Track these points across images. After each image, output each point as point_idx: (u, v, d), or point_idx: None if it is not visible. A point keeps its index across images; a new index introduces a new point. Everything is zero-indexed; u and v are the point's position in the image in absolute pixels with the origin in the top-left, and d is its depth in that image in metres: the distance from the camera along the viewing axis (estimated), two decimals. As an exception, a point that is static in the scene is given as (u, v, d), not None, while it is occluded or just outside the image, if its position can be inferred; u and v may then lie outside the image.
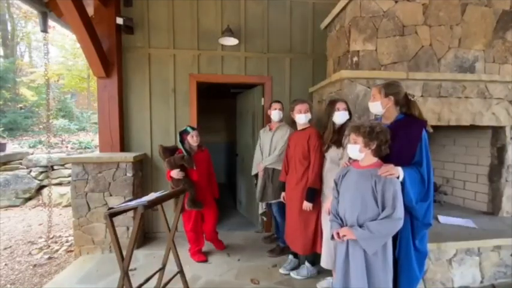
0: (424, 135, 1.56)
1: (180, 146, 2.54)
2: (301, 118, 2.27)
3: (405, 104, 1.66)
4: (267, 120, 3.18)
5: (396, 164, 1.48)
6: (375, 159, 1.52)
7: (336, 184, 1.66)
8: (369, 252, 1.41)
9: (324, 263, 2.05)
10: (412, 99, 1.66)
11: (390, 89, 1.67)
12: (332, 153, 2.09)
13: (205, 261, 2.62)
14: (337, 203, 1.62)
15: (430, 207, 1.54)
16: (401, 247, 1.55)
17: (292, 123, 2.51)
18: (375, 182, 1.43)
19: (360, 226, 1.44)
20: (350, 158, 1.68)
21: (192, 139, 2.53)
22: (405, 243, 1.55)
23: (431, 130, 1.64)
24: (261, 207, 2.86)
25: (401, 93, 1.66)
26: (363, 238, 1.40)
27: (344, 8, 2.67)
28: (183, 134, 2.56)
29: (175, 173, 2.44)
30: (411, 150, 1.55)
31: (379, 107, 1.70)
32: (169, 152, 2.51)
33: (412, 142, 1.55)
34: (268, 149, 2.74)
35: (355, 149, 1.50)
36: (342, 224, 1.54)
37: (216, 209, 2.74)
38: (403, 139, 1.57)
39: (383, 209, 1.41)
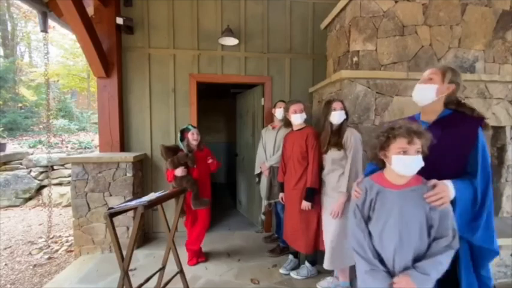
0: (480, 136, 1.17)
1: (180, 144, 2.50)
2: (297, 118, 2.26)
3: (455, 103, 1.30)
4: (267, 120, 3.19)
5: (438, 176, 1.13)
6: (415, 175, 1.14)
7: (358, 209, 1.23)
8: None
9: (327, 265, 2.04)
10: (462, 101, 1.31)
11: (456, 76, 1.28)
12: (333, 154, 2.06)
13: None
14: (369, 238, 1.20)
15: (488, 229, 1.17)
16: (462, 278, 1.20)
17: (288, 124, 2.49)
18: (430, 209, 1.09)
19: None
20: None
21: (193, 136, 2.47)
22: (466, 272, 1.20)
23: (490, 130, 1.33)
24: (263, 206, 2.86)
25: (459, 89, 1.30)
26: (423, 284, 1.07)
27: (344, 8, 2.67)
28: (184, 131, 2.51)
29: (180, 171, 2.35)
30: (463, 155, 1.18)
31: (432, 93, 1.27)
32: (171, 151, 2.44)
33: (464, 144, 1.17)
34: (272, 147, 2.75)
35: (420, 160, 1.10)
36: (388, 270, 1.14)
37: (208, 215, 2.59)
38: (452, 139, 1.20)
39: (434, 238, 1.10)
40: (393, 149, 1.12)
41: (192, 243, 2.55)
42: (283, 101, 2.77)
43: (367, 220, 1.22)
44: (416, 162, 1.09)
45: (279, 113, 2.72)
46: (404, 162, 1.09)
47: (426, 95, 1.30)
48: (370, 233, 1.21)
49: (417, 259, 1.10)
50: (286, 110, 2.36)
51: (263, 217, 3.06)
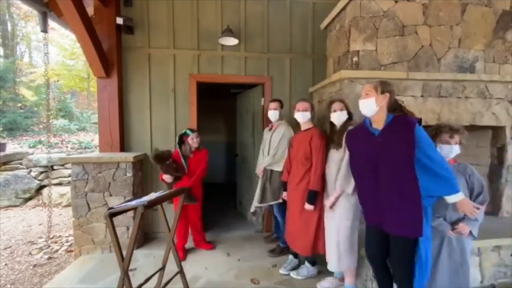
0: (419, 134, 1.49)
1: (178, 148, 2.68)
2: (298, 116, 2.26)
3: (396, 108, 1.64)
4: (267, 120, 3.18)
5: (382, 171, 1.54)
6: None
7: None
8: (476, 235, 1.65)
9: (335, 266, 2.04)
10: (402, 104, 1.66)
11: (386, 86, 1.61)
12: (333, 155, 2.07)
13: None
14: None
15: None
16: None
17: (296, 123, 2.49)
18: (469, 176, 1.64)
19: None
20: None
21: (193, 141, 2.67)
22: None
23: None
24: (253, 207, 2.76)
25: (395, 94, 1.62)
26: (475, 227, 1.63)
27: (344, 8, 2.67)
28: (183, 136, 2.69)
29: (168, 178, 2.57)
30: (403, 154, 1.49)
31: (373, 105, 1.58)
32: (163, 159, 2.56)
33: (404, 145, 1.48)
34: (267, 149, 2.74)
35: (458, 148, 1.67)
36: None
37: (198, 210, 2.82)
38: (393, 141, 1.53)
39: (474, 196, 1.65)
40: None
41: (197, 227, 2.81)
42: (275, 100, 2.77)
43: None
44: (455, 150, 1.66)
45: (270, 114, 2.74)
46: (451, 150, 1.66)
47: (369, 108, 1.60)
48: None
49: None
50: (293, 107, 2.37)
51: (254, 217, 3.00)
